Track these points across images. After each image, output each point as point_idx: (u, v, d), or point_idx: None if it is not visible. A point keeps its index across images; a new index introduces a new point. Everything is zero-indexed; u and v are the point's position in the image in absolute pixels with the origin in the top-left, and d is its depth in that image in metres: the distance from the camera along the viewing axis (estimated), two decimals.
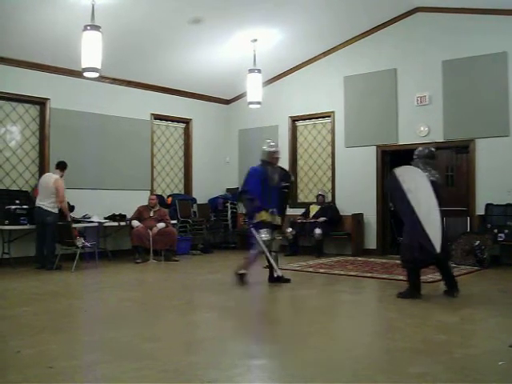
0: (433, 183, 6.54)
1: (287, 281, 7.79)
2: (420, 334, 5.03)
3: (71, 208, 9.97)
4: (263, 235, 7.59)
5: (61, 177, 9.45)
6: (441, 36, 10.84)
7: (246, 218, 7.88)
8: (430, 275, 8.46)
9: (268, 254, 7.61)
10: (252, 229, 7.65)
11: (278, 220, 7.76)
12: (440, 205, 6.47)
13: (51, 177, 9.46)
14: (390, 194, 7.55)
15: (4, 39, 9.33)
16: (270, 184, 7.64)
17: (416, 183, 6.48)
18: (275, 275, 7.75)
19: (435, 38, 10.91)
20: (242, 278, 7.64)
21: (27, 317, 5.80)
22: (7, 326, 5.37)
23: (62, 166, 9.59)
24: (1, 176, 10.05)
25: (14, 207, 9.51)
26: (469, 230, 10.30)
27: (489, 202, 10.12)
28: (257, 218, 7.62)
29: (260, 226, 7.62)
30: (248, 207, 7.71)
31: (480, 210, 10.28)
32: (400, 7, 11.04)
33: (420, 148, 7.02)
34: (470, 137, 10.53)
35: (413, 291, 6.58)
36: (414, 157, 6.90)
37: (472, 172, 10.55)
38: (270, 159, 7.74)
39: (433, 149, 6.99)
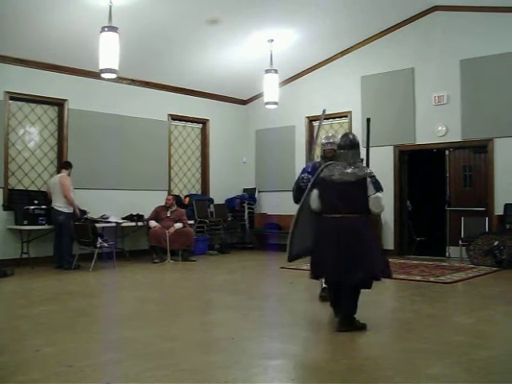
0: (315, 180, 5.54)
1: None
2: (438, 335, 5.00)
3: (83, 212, 9.98)
4: None
5: (68, 175, 9.60)
6: (459, 35, 10.75)
7: None
8: (448, 276, 8.42)
9: None
10: None
11: None
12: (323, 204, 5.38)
13: (57, 176, 9.64)
14: None
15: (22, 41, 9.41)
16: None
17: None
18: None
19: (453, 36, 10.82)
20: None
21: (46, 316, 5.85)
22: (27, 325, 5.42)
23: (66, 165, 9.77)
24: (20, 176, 10.14)
25: (32, 207, 9.60)
26: (487, 230, 10.22)
27: (508, 202, 10.02)
28: None
29: None
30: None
31: (499, 210, 10.19)
32: (418, 6, 10.96)
33: None
34: (489, 136, 10.43)
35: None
36: None
37: (490, 172, 10.45)
38: (323, 152, 6.85)
39: (349, 136, 5.51)
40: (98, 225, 9.96)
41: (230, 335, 5.01)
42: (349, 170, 5.22)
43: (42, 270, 9.23)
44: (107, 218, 10.50)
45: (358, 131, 11.98)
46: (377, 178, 5.19)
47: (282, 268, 8.43)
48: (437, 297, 6.98)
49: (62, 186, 9.36)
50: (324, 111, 6.41)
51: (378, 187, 5.16)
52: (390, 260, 10.21)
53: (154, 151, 12.01)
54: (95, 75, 9.61)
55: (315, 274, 5.46)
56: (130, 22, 8.96)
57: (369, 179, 5.14)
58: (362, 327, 5.16)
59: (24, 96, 10.11)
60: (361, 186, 5.14)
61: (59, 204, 9.38)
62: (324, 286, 6.43)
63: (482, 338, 4.96)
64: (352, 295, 5.20)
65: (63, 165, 9.88)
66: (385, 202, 5.21)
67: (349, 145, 5.35)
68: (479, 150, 10.69)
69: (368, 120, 5.88)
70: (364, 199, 5.12)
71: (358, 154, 5.39)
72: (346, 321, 5.14)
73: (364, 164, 5.51)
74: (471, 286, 7.91)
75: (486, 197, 10.50)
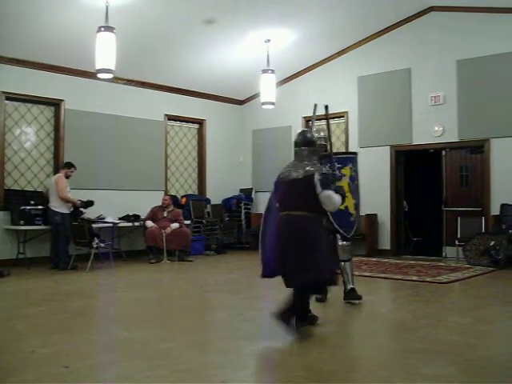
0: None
1: (358, 297, 6.44)
2: (434, 335, 5.01)
3: (79, 212, 9.93)
4: None
5: (65, 175, 9.56)
6: (455, 35, 10.77)
7: None
8: (445, 276, 8.43)
9: None
10: None
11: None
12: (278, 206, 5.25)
13: (54, 177, 9.63)
14: None
15: (18, 41, 9.39)
16: None
17: None
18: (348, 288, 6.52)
19: (449, 37, 10.84)
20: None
21: (42, 317, 5.84)
22: (23, 326, 5.40)
23: (64, 165, 9.74)
24: (16, 177, 10.12)
25: (28, 208, 9.58)
26: (484, 230, 10.23)
27: (504, 202, 10.05)
28: None
29: None
30: None
31: (495, 211, 10.21)
32: (414, 7, 10.99)
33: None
34: (485, 136, 10.46)
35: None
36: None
37: (487, 172, 10.47)
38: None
39: (305, 134, 5.35)
40: (94, 225, 9.95)
41: (226, 335, 5.01)
42: (299, 168, 5.06)
43: (38, 270, 9.22)
44: (104, 218, 10.48)
45: (355, 132, 12.05)
46: (328, 176, 5.03)
47: None
48: (433, 297, 6.98)
49: (56, 186, 9.35)
50: (315, 106, 6.15)
51: (326, 185, 4.93)
52: (386, 260, 10.35)
53: (151, 151, 12.00)
54: (91, 75, 9.59)
55: (262, 273, 5.30)
56: (127, 22, 8.95)
57: (317, 177, 4.92)
58: (311, 320, 5.20)
59: (20, 96, 10.09)
60: (309, 184, 4.93)
61: (55, 204, 9.37)
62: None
63: (479, 337, 4.96)
64: (297, 295, 5.02)
65: (60, 165, 9.87)
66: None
67: (303, 142, 5.21)
68: (476, 151, 10.71)
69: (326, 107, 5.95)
70: (313, 197, 4.91)
71: (314, 151, 5.24)
72: (293, 314, 4.95)
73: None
74: (467, 286, 7.92)
75: (482, 197, 10.52)
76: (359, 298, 6.40)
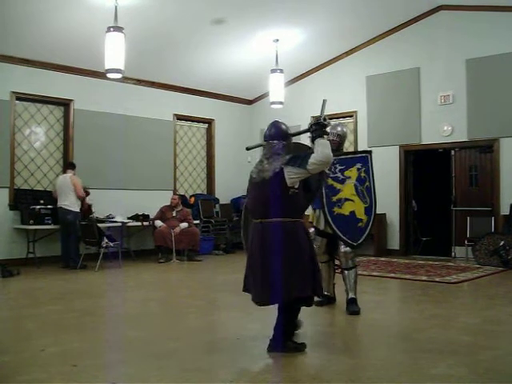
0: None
1: (356, 311, 5.90)
2: (444, 335, 4.99)
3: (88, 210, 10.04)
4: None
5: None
6: (464, 34, 10.73)
7: None
8: (454, 276, 8.40)
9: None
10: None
11: (322, 225, 6.12)
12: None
13: (67, 176, 9.68)
14: None
15: (28, 41, 9.44)
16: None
17: None
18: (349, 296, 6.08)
19: (459, 36, 10.80)
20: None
21: (52, 316, 5.87)
22: (32, 325, 5.44)
23: (73, 166, 9.86)
24: (26, 176, 10.17)
25: (38, 207, 9.64)
26: (493, 230, 10.19)
27: None
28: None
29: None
30: None
31: (505, 210, 10.16)
32: (423, 6, 10.95)
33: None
34: (495, 136, 10.41)
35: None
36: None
37: (496, 172, 10.43)
38: None
39: (278, 125, 4.56)
40: (104, 225, 9.99)
41: (234, 335, 5.01)
42: (267, 165, 4.32)
43: (47, 269, 9.26)
44: (113, 217, 10.53)
45: (364, 131, 12.03)
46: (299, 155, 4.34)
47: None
48: (442, 297, 6.97)
49: (75, 186, 9.45)
50: (324, 102, 5.20)
51: (302, 159, 4.24)
52: (395, 260, 10.32)
53: (160, 151, 12.03)
54: (101, 75, 9.63)
55: (244, 287, 4.65)
56: (136, 22, 8.97)
57: (287, 169, 4.24)
58: (295, 348, 4.42)
59: (30, 96, 10.14)
60: (280, 183, 4.24)
61: (68, 203, 9.43)
62: (325, 292, 6.21)
63: (488, 338, 4.94)
64: (283, 314, 4.50)
65: (70, 165, 9.91)
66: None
67: (276, 135, 4.46)
68: (485, 150, 10.66)
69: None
70: (286, 199, 4.26)
71: (289, 146, 4.49)
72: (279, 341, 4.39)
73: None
74: (477, 286, 7.89)
75: (491, 197, 10.48)
76: (357, 312, 5.88)
